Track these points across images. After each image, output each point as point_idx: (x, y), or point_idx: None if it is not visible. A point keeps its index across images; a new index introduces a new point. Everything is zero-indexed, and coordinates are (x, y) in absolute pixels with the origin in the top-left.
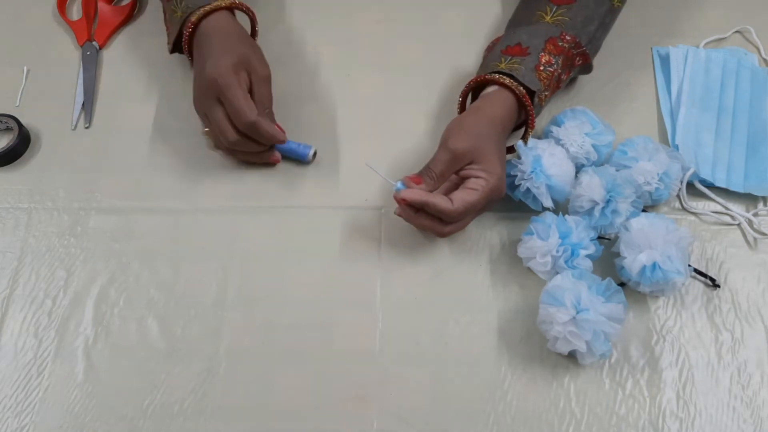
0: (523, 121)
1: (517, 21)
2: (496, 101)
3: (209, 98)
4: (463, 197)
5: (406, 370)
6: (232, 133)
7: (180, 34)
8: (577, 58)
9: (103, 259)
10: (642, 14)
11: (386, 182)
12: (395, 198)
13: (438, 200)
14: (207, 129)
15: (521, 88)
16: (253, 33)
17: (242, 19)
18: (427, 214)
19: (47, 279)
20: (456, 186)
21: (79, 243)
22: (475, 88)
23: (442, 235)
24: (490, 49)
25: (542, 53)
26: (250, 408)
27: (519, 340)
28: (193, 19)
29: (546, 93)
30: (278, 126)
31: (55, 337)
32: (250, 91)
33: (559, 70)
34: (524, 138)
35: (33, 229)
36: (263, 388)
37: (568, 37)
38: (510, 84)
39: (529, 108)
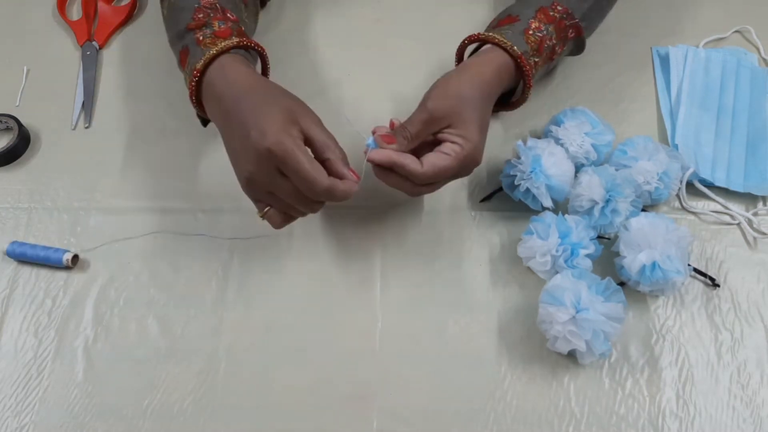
0: (513, 88)
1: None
2: (485, 60)
3: (269, 174)
4: (433, 161)
5: (406, 370)
6: (310, 204)
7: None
8: (570, 30)
9: (103, 259)
10: (642, 14)
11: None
12: (367, 159)
13: (407, 161)
14: (267, 209)
15: (515, 48)
16: (265, 71)
17: None
18: (396, 174)
19: (47, 279)
20: (432, 146)
21: (79, 243)
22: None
23: (413, 194)
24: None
25: (532, 20)
26: (249, 408)
27: (519, 340)
28: (197, 68)
29: (536, 59)
30: (351, 171)
31: (55, 336)
32: (308, 144)
33: (553, 41)
34: (524, 95)
35: (33, 229)
36: (263, 388)
37: (559, 7)
38: (500, 41)
39: (522, 63)
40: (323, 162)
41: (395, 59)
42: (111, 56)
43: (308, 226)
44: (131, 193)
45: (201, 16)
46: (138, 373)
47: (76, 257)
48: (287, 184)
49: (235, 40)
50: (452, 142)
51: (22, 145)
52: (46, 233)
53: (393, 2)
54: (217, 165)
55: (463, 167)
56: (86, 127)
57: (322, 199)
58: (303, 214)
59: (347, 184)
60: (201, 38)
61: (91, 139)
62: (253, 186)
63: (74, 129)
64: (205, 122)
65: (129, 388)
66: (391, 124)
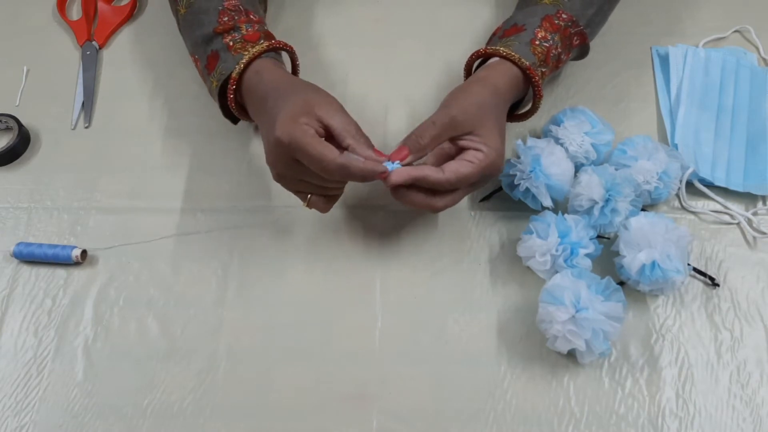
0: (521, 99)
1: (518, 7)
2: (498, 71)
3: (288, 164)
4: (457, 168)
5: (406, 369)
6: (335, 184)
7: (227, 103)
8: (575, 38)
9: (103, 258)
10: (641, 14)
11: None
12: (387, 184)
13: (428, 172)
14: (309, 196)
15: (523, 60)
16: (294, 70)
17: None
18: (417, 190)
19: (47, 278)
20: (447, 156)
21: (79, 242)
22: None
23: (435, 210)
24: (493, 35)
25: (538, 29)
26: (249, 407)
27: (518, 339)
28: (234, 75)
29: (543, 69)
30: (376, 151)
31: (54, 336)
32: (328, 135)
33: (559, 49)
34: (534, 105)
35: (33, 229)
36: (263, 387)
37: (564, 15)
38: (510, 55)
39: (532, 75)
40: (345, 149)
41: (396, 59)
42: (111, 56)
43: (308, 226)
44: (131, 193)
45: (226, 19)
46: (138, 372)
47: (84, 253)
48: (308, 170)
49: (265, 44)
50: (475, 149)
51: (22, 145)
52: (46, 233)
53: (393, 1)
54: (217, 165)
55: (485, 176)
56: (86, 127)
57: (341, 178)
58: (340, 191)
59: (368, 163)
60: (231, 43)
61: (91, 139)
62: (283, 179)
63: (74, 129)
64: (235, 120)
65: (129, 388)
66: (398, 152)
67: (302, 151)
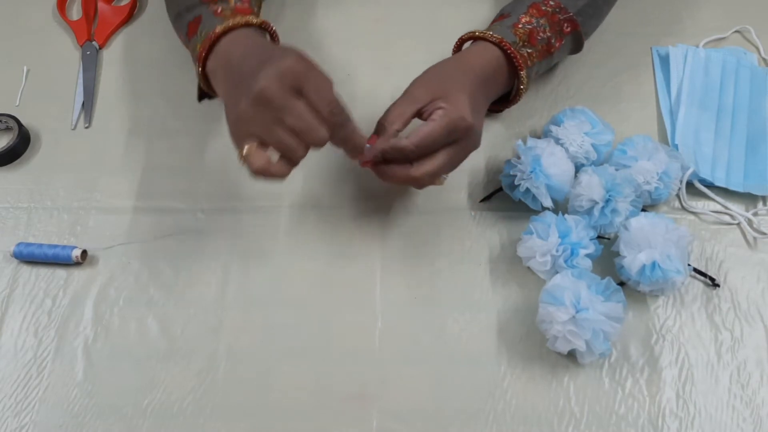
0: (512, 88)
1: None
2: (472, 50)
3: (278, 97)
4: (418, 130)
5: (405, 369)
6: (323, 129)
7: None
8: (566, 25)
9: (103, 258)
10: (641, 14)
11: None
12: (360, 163)
13: (393, 141)
14: (248, 146)
15: (495, 35)
16: None
17: None
18: (392, 164)
19: (47, 278)
20: None
21: (79, 242)
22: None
23: (417, 180)
24: None
25: (522, 15)
26: (249, 407)
27: (518, 340)
28: (214, 32)
29: (528, 50)
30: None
31: (54, 336)
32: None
33: (548, 33)
34: (518, 85)
35: (33, 229)
36: (263, 387)
37: (552, 2)
38: (483, 34)
39: (506, 47)
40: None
41: (396, 58)
42: (111, 56)
43: (308, 226)
44: (131, 193)
45: None
46: (138, 372)
47: (84, 253)
48: (301, 104)
49: (256, 20)
50: (437, 109)
51: (22, 145)
52: (46, 233)
53: (393, 1)
54: (217, 165)
55: (452, 131)
56: (86, 127)
57: (335, 122)
58: (305, 146)
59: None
60: (219, 10)
61: (91, 139)
62: (252, 117)
63: (74, 129)
64: (201, 96)
65: (129, 388)
66: (372, 138)
67: (315, 71)
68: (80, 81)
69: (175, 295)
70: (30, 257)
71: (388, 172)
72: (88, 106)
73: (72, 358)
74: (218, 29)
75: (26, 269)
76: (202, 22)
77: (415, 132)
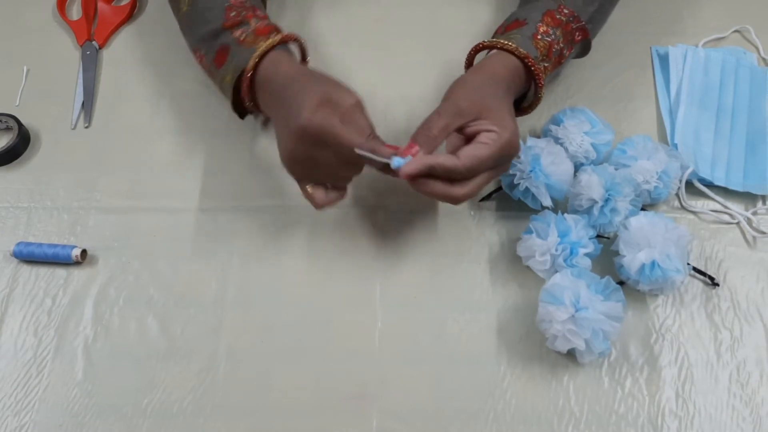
0: (523, 94)
1: (520, 5)
2: (497, 60)
3: (306, 152)
4: (471, 152)
5: (405, 369)
6: (349, 170)
7: (238, 95)
8: (577, 33)
9: (103, 258)
10: (641, 13)
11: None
12: (400, 175)
13: (442, 159)
14: (309, 186)
15: (520, 49)
16: (304, 59)
17: None
18: (434, 179)
19: (47, 278)
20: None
21: (79, 242)
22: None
23: (456, 200)
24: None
25: (539, 24)
26: (249, 407)
27: (518, 339)
28: (249, 66)
29: (545, 64)
30: (388, 146)
31: (54, 336)
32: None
33: (561, 45)
34: (537, 96)
35: (33, 229)
36: (263, 387)
37: (566, 11)
38: (509, 46)
39: (530, 64)
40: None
41: (396, 58)
42: (111, 56)
43: (308, 226)
44: (131, 193)
45: (234, 14)
46: (138, 372)
47: (84, 252)
48: (328, 154)
49: (278, 36)
50: (487, 131)
51: (22, 144)
52: (46, 233)
53: (393, 1)
54: (217, 165)
55: (503, 156)
56: (86, 127)
57: (363, 161)
58: (347, 180)
59: (389, 149)
60: (243, 38)
61: (91, 139)
62: (297, 165)
63: (74, 129)
64: (243, 115)
65: (129, 388)
66: (408, 147)
67: (331, 133)
68: (80, 81)
69: (175, 295)
70: (30, 257)
71: (427, 187)
72: (88, 106)
73: (72, 357)
74: (250, 65)
75: (26, 269)
76: (230, 53)
77: (468, 155)
